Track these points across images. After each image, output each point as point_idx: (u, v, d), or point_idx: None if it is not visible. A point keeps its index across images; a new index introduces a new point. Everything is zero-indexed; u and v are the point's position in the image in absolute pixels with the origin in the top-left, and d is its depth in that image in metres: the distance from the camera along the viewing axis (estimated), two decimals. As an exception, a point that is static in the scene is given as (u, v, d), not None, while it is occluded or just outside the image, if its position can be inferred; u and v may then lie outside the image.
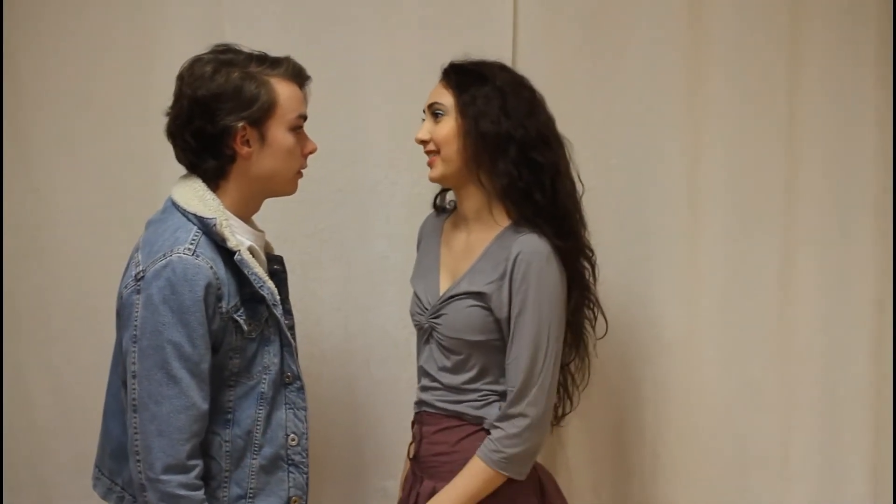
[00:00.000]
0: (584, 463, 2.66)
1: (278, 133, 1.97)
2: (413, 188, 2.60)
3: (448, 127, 2.11)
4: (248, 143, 1.94)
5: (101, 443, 2.11)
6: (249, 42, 2.52)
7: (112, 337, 2.60)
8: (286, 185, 2.04)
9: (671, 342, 2.60)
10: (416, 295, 2.26)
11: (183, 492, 1.86)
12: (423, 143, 2.16)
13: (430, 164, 2.16)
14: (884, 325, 2.59)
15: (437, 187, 2.44)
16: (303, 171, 2.07)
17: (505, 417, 2.06)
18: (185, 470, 1.86)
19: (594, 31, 2.57)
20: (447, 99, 2.12)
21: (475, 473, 2.07)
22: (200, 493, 1.88)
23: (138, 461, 1.86)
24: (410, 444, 2.27)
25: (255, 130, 1.94)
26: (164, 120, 2.58)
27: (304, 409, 2.04)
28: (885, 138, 2.56)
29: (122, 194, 2.67)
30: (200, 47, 2.58)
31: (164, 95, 2.61)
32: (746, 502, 2.63)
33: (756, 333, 2.60)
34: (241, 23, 2.59)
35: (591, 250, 2.21)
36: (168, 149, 2.61)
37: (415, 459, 2.23)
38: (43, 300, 2.71)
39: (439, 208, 2.36)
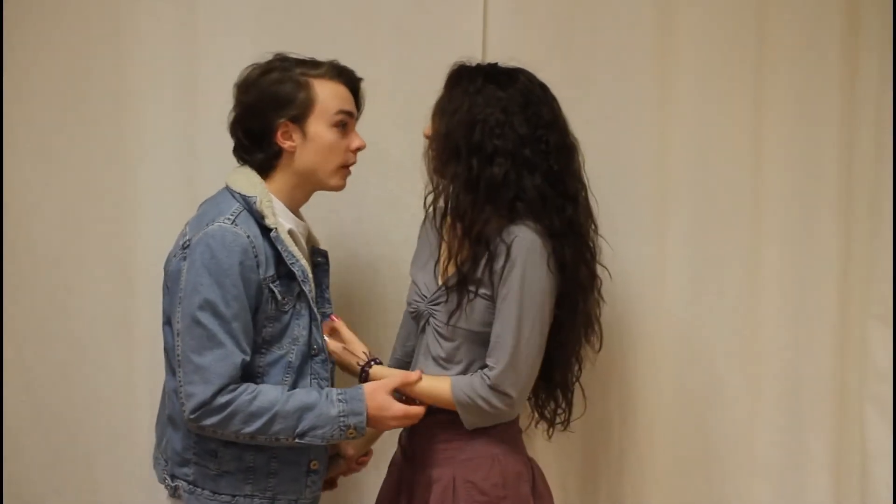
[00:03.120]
0: (551, 460, 2.67)
1: (319, 129, 2.15)
2: (385, 186, 2.63)
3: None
4: (290, 138, 2.15)
5: (157, 413, 2.29)
6: (221, 48, 2.57)
7: (90, 334, 2.69)
8: (329, 177, 2.21)
9: (637, 338, 2.63)
10: (414, 283, 2.32)
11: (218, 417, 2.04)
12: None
13: None
14: (847, 320, 2.64)
15: (411, 185, 2.49)
16: (350, 166, 2.23)
17: (483, 379, 2.12)
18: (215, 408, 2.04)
19: (564, 34, 2.60)
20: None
21: (438, 389, 2.17)
22: (239, 398, 2.04)
23: (184, 410, 2.05)
24: (402, 429, 2.33)
25: (297, 127, 2.14)
26: (138, 120, 2.63)
27: (327, 379, 2.19)
28: (848, 139, 2.61)
29: (95, 192, 2.68)
30: (174, 50, 2.62)
31: (137, 96, 2.64)
32: (712, 496, 2.66)
33: (721, 330, 2.64)
34: (215, 29, 2.61)
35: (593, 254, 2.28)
36: (142, 148, 2.65)
37: (409, 441, 2.29)
38: (15, 298, 2.71)
39: None
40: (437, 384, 2.17)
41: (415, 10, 2.60)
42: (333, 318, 2.31)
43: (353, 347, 2.28)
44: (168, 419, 2.18)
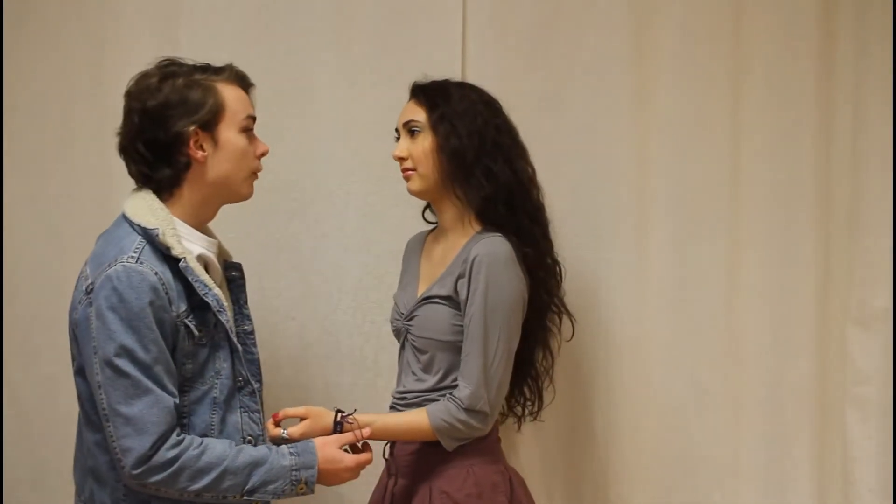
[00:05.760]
0: (537, 469, 2.69)
1: (230, 135, 2.02)
2: (368, 197, 2.65)
3: (426, 143, 2.21)
4: (201, 147, 2.00)
5: (74, 461, 2.12)
6: (206, 56, 2.57)
7: (68, 346, 2.64)
8: (241, 186, 2.09)
9: (621, 346, 2.65)
10: (395, 304, 2.36)
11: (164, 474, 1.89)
12: (401, 159, 2.24)
13: (407, 178, 2.25)
14: (826, 325, 2.66)
15: (393, 196, 2.56)
16: (258, 172, 2.11)
17: (457, 403, 2.14)
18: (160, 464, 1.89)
19: (542, 44, 2.63)
20: (421, 116, 2.22)
21: (416, 422, 2.16)
22: (186, 452, 1.90)
23: (123, 467, 1.89)
24: (386, 444, 2.32)
25: (207, 134, 2.00)
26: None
27: (259, 412, 2.08)
28: (825, 145, 2.64)
29: (80, 206, 2.69)
30: (157, 60, 2.62)
31: (119, 110, 2.64)
32: (696, 501, 2.67)
33: (703, 336, 2.65)
34: (197, 38, 2.63)
35: (555, 259, 2.32)
36: (122, 161, 2.65)
37: (391, 457, 2.31)
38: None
39: (429, 221, 2.44)
40: (413, 419, 2.17)
41: (394, 22, 2.63)
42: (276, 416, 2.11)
43: (316, 410, 2.13)
44: (90, 471, 2.01)
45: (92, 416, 1.97)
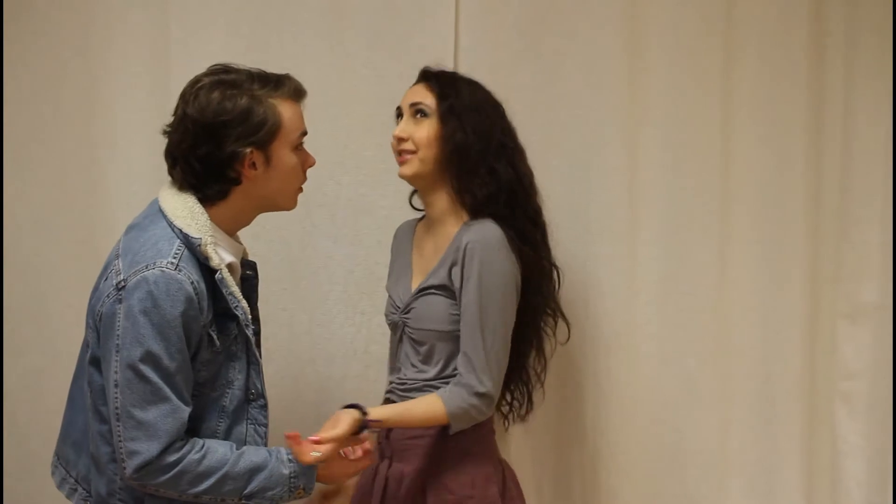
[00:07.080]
0: (527, 461, 2.69)
1: (283, 154, 2.00)
2: (358, 188, 2.65)
3: (431, 129, 2.19)
4: (253, 165, 1.97)
5: (63, 432, 2.13)
6: (196, 48, 2.57)
7: (63, 339, 2.62)
8: (287, 201, 2.08)
9: (611, 340, 2.65)
10: (390, 297, 2.35)
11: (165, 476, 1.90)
12: (401, 140, 2.22)
13: (402, 162, 2.23)
14: (815, 319, 2.68)
15: (383, 188, 2.58)
16: (302, 186, 2.10)
17: (467, 389, 2.14)
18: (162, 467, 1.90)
19: (534, 37, 2.63)
20: (431, 101, 2.21)
21: (430, 412, 2.14)
22: (187, 456, 1.90)
23: (125, 468, 1.90)
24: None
25: (261, 153, 1.96)
26: (109, 126, 2.62)
27: (265, 426, 2.07)
28: (816, 141, 2.65)
29: (67, 199, 2.68)
30: (147, 53, 2.62)
31: (110, 100, 2.64)
32: (685, 495, 2.68)
33: (693, 330, 2.66)
34: (188, 29, 2.62)
35: (553, 263, 2.32)
36: (114, 154, 2.65)
37: (386, 440, 2.29)
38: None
39: (416, 208, 2.43)
40: (429, 408, 2.15)
41: (386, 13, 2.62)
42: (311, 441, 2.00)
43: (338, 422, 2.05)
44: (91, 458, 2.02)
45: (100, 407, 1.97)
